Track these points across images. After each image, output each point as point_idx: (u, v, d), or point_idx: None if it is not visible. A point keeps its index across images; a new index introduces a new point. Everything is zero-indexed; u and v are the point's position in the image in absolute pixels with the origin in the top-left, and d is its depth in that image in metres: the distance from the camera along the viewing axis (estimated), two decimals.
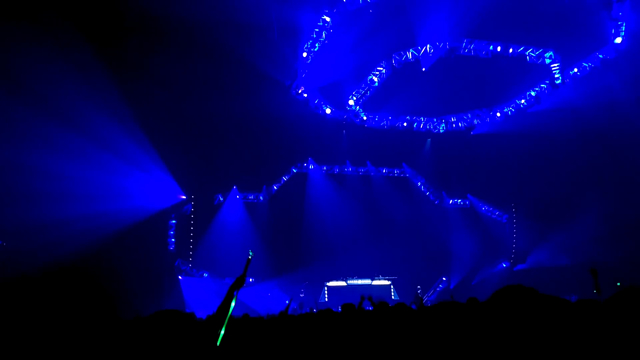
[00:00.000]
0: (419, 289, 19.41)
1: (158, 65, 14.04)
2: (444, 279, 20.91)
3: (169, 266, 17.47)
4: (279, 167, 20.44)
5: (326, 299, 19.73)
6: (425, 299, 19.06)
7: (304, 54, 16.01)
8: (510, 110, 18.95)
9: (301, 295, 19.16)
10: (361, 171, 21.76)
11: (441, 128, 19.97)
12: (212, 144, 17.25)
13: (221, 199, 19.59)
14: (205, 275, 18.36)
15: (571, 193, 18.14)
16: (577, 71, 17.25)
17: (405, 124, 19.75)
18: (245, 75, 15.49)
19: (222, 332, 6.01)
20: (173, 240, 18.20)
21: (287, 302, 13.66)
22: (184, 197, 18.30)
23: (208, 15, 13.25)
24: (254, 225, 19.21)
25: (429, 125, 19.92)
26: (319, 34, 15.63)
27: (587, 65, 17.11)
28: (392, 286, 20.39)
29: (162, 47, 14.08)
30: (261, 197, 20.26)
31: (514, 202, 21.85)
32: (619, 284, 14.12)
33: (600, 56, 16.81)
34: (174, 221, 18.13)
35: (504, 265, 21.40)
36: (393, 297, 19.96)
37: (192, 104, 15.80)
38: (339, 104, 18.48)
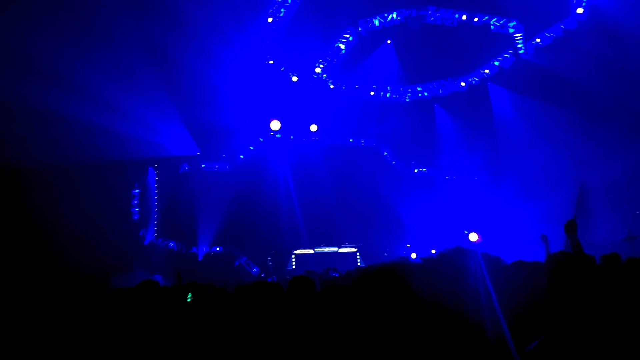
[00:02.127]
0: (385, 255, 19.85)
1: (116, 28, 13.50)
2: (407, 245, 21.43)
3: (133, 236, 17.27)
4: (246, 135, 20.22)
5: (294, 267, 19.96)
6: None
7: (269, 19, 15.68)
8: (474, 79, 19.20)
9: (269, 264, 19.31)
10: (328, 140, 21.78)
11: (407, 97, 20.09)
12: (174, 112, 16.88)
13: (186, 167, 19.32)
14: (171, 244, 18.27)
15: (538, 164, 18.66)
16: (540, 41, 17.52)
17: (372, 93, 19.75)
18: (206, 39, 15.09)
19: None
20: (137, 209, 17.94)
21: (254, 271, 13.77)
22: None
23: None
24: (221, 194, 19.08)
25: (395, 95, 20.00)
26: None
27: (549, 35, 17.39)
28: (358, 253, 20.75)
29: (121, 9, 13.51)
30: (227, 166, 20.08)
31: (477, 172, 22.39)
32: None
33: (562, 26, 17.10)
34: (137, 190, 17.83)
35: (466, 232, 22.05)
36: (359, 263, 20.37)
37: (154, 68, 15.32)
38: (306, 71, 18.29)
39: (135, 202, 17.83)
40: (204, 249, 18.98)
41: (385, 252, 20.25)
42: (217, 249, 19.30)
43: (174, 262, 17.15)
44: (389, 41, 18.06)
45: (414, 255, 20.18)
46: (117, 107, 15.02)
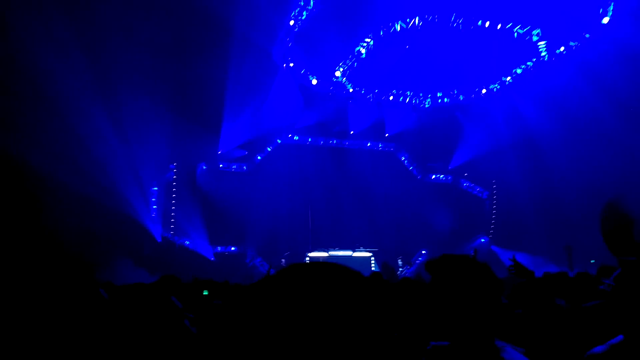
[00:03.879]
0: (400, 259, 19.74)
1: (138, 29, 13.66)
2: (423, 252, 21.28)
3: (150, 233, 17.42)
4: (264, 137, 20.30)
5: None
6: (403, 270, 19.44)
7: (291, 22, 15.74)
8: (496, 87, 19.01)
9: (283, 266, 19.32)
10: (346, 144, 21.77)
11: (427, 103, 19.97)
12: (195, 112, 17.02)
13: (204, 167, 19.47)
14: (187, 243, 18.40)
15: (554, 174, 18.37)
16: (564, 50, 17.26)
17: (391, 98, 19.69)
18: (230, 42, 15.20)
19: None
20: (155, 207, 18.11)
21: (266, 270, 13.78)
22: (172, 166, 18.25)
23: None
24: (237, 195, 19.18)
25: (415, 100, 19.90)
26: (307, 2, 15.36)
27: (573, 44, 17.12)
28: (372, 258, 20.66)
29: (143, 10, 13.68)
30: (244, 167, 20.18)
31: (495, 179, 22.15)
32: (592, 261, 14.58)
33: (587, 36, 16.81)
34: (155, 188, 18.01)
35: (482, 241, 21.82)
36: (373, 268, 20.26)
37: (176, 69, 15.48)
38: (326, 74, 18.32)
39: (153, 199, 18.02)
40: (219, 248, 19.09)
41: (400, 257, 20.14)
42: (232, 248, 19.40)
43: (189, 260, 17.29)
44: (407, 46, 18.01)
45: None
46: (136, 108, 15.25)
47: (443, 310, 1.88)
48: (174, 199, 18.50)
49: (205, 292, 7.15)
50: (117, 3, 13.18)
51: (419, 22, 16.20)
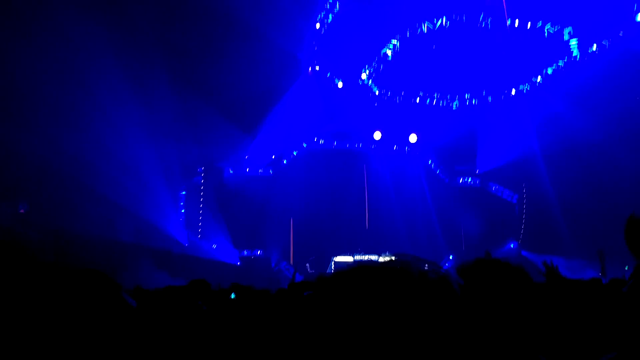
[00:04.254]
0: (426, 264, 19.43)
1: (166, 34, 13.88)
2: (450, 257, 20.91)
3: (178, 237, 17.61)
4: (290, 140, 20.33)
5: None
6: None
7: (317, 26, 15.74)
8: (526, 87, 18.59)
9: (309, 271, 19.27)
10: (372, 147, 21.60)
11: (454, 105, 19.66)
12: (221, 116, 17.17)
13: (231, 171, 19.61)
14: (214, 246, 18.53)
15: (587, 176, 17.84)
16: (596, 48, 16.77)
17: (418, 100, 19.46)
18: (256, 46, 15.28)
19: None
20: (183, 211, 18.32)
21: (291, 274, 13.75)
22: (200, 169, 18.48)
23: None
24: (264, 199, 19.25)
25: (442, 102, 19.62)
26: (333, 5, 15.33)
27: (606, 42, 16.62)
28: None
29: (170, 15, 13.89)
30: (271, 171, 20.24)
31: (525, 183, 21.63)
32: (627, 267, 14.07)
33: (621, 33, 16.30)
34: (183, 192, 18.22)
35: (512, 246, 21.31)
36: None
37: (203, 74, 15.65)
38: (351, 77, 18.24)
39: (182, 204, 18.24)
40: (245, 252, 19.16)
41: (427, 262, 19.82)
42: (258, 252, 19.45)
43: (215, 264, 17.40)
44: (434, 47, 17.79)
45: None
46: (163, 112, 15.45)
47: (478, 319, 1.77)
48: (201, 202, 18.68)
49: (233, 296, 7.10)
50: (150, 9, 13.41)
51: (446, 23, 15.97)
